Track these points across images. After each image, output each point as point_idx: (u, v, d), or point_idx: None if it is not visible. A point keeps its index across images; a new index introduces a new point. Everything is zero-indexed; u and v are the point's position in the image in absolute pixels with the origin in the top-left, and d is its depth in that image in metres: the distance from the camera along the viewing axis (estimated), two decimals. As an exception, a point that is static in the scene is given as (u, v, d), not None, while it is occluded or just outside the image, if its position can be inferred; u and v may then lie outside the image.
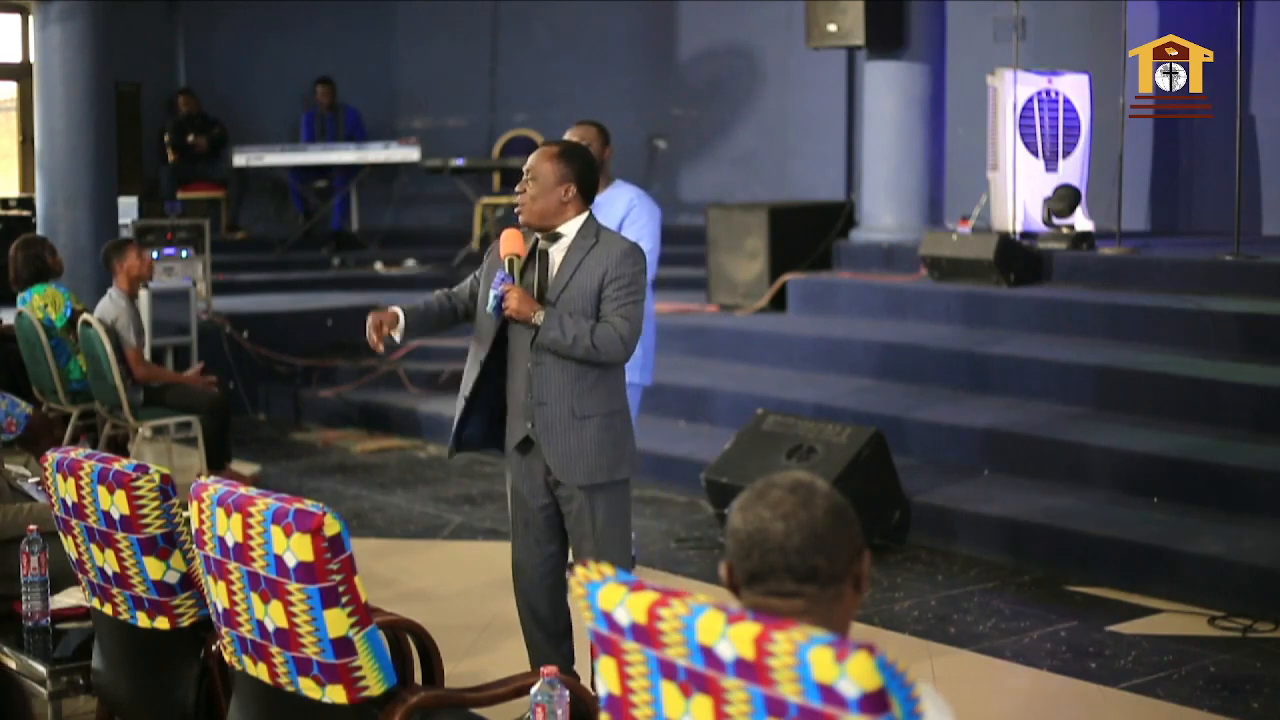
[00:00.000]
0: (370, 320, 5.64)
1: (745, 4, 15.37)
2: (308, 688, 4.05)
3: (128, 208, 12.52)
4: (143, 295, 10.07)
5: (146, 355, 9.58)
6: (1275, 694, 6.14)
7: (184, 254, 11.86)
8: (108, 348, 8.91)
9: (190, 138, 15.44)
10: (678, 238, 13.80)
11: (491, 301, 5.41)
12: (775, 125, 15.48)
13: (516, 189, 5.55)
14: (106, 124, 12.53)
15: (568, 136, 7.02)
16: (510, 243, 5.48)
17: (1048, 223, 11.03)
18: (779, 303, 11.93)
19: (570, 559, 5.57)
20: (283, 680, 4.09)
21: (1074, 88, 11.61)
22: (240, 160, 15.25)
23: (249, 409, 12.16)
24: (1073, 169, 11.44)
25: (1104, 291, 10.19)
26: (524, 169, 5.55)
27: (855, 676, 2.40)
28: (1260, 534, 7.47)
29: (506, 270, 5.42)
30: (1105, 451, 8.37)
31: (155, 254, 9.91)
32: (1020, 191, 11.19)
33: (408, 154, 15.31)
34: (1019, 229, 11.10)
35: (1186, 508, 7.91)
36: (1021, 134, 11.34)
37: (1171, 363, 9.07)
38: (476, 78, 16.82)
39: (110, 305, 9.26)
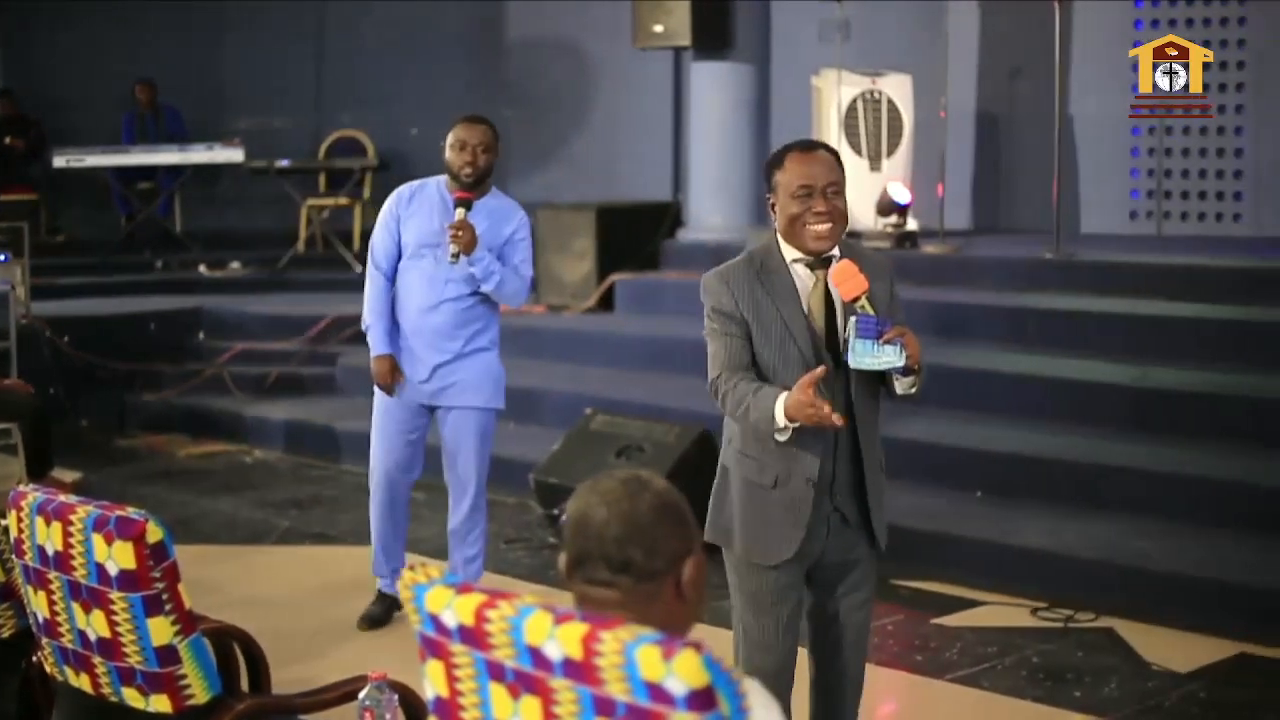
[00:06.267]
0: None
1: (573, 4, 15.38)
2: (131, 698, 3.99)
3: (-60, 212, 12.27)
4: (-41, 300, 9.85)
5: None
6: (1096, 683, 6.25)
7: (1, 258, 11.61)
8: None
9: (8, 140, 15.16)
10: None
11: (894, 355, 4.25)
12: (604, 126, 15.51)
13: (816, 210, 4.34)
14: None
15: (466, 137, 6.66)
16: (856, 280, 4.30)
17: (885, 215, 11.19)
18: (607, 303, 11.96)
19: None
20: (106, 691, 4.03)
21: (897, 88, 11.76)
22: (60, 162, 14.95)
23: (70, 415, 11.94)
24: (896, 169, 11.59)
25: (928, 289, 10.32)
26: (817, 183, 4.36)
27: (682, 674, 2.41)
28: (1081, 525, 7.61)
29: (870, 312, 4.28)
30: (928, 447, 8.47)
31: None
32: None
33: (232, 155, 15.12)
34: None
35: (1010, 500, 8.04)
36: (846, 134, 11.46)
37: (994, 359, 9.22)
38: (302, 78, 16.68)
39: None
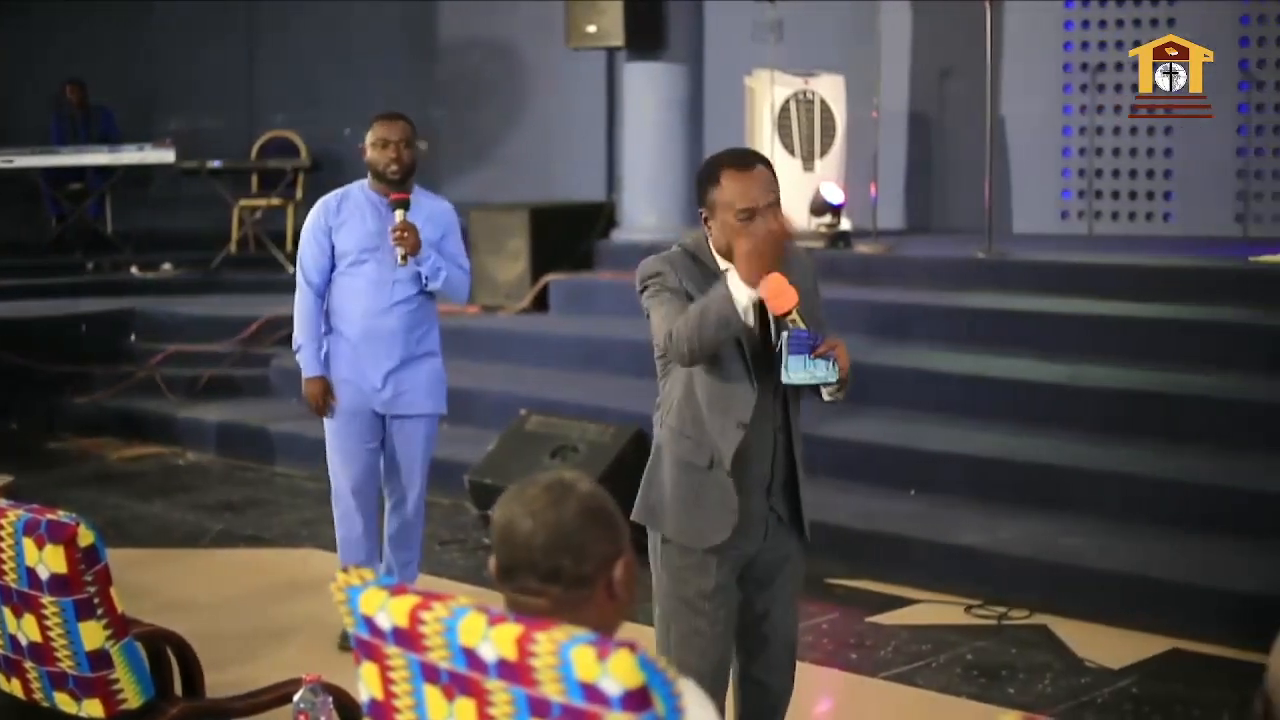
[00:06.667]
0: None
1: (506, 4, 15.35)
2: (64, 703, 3.96)
3: None
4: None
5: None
6: (1030, 680, 6.29)
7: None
8: None
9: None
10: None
11: (826, 370, 4.22)
12: (537, 126, 15.49)
13: (765, 215, 4.22)
14: None
15: (387, 134, 6.51)
16: (787, 294, 4.17)
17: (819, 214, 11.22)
18: (541, 303, 11.95)
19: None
20: (37, 696, 4.00)
21: (830, 89, 11.80)
22: (-11, 163, 14.84)
23: (0, 417, 11.84)
24: (829, 169, 11.62)
25: (861, 289, 10.36)
26: (759, 204, 4.24)
27: (617, 674, 2.41)
28: (1014, 523, 7.65)
29: (801, 326, 4.20)
30: (862, 446, 8.50)
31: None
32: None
33: (163, 155, 14.98)
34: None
35: (943, 499, 8.08)
36: (779, 134, 11.49)
37: (927, 358, 9.27)
38: (234, 78, 16.59)
39: None
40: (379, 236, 6.53)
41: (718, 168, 4.29)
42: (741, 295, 4.09)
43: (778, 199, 4.28)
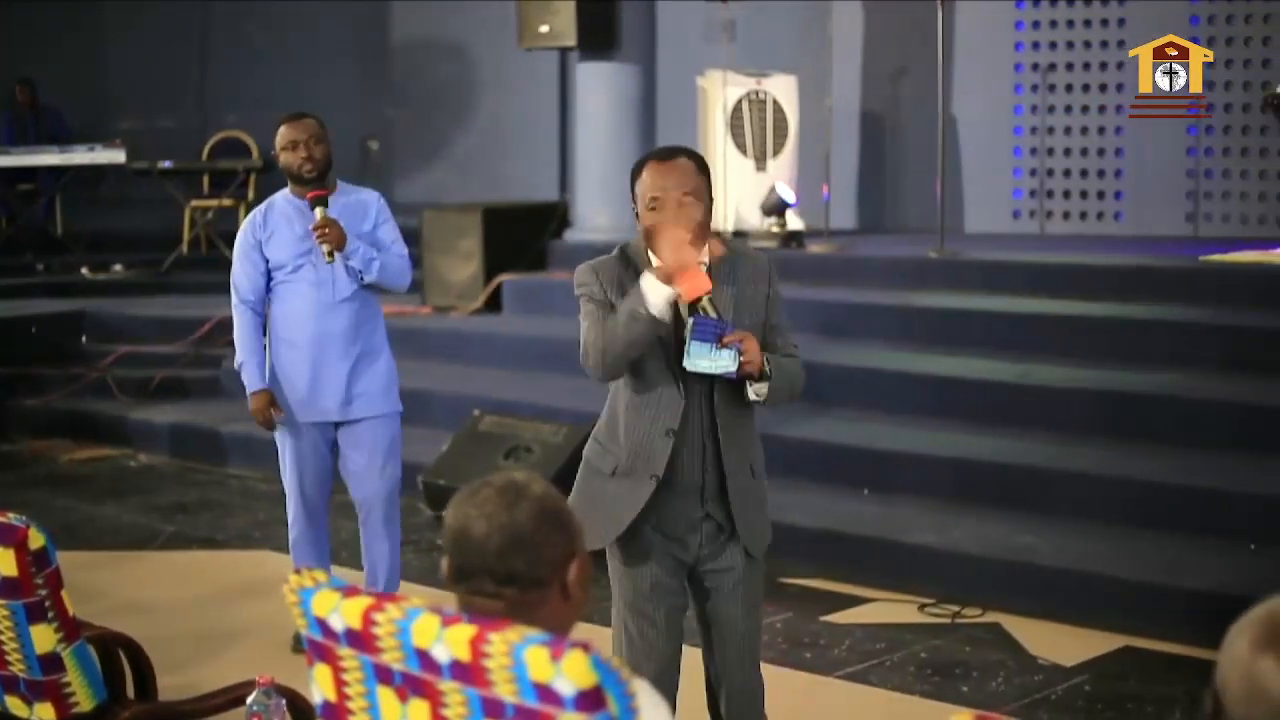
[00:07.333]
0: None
1: (458, 4, 15.34)
2: (15, 706, 3.94)
3: None
4: None
5: None
6: (984, 677, 6.31)
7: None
8: None
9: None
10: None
11: (729, 360, 4.17)
12: (490, 126, 15.49)
13: (657, 220, 4.22)
14: None
15: (294, 135, 6.45)
16: (698, 280, 4.15)
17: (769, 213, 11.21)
18: (494, 303, 11.93)
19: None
20: (-12, 699, 3.98)
21: (782, 89, 11.83)
22: (-63, 164, 14.73)
23: (-50, 420, 11.77)
24: (781, 169, 11.65)
25: (814, 289, 10.38)
26: (664, 191, 4.21)
27: (571, 675, 2.41)
28: (967, 522, 7.68)
29: (711, 314, 4.18)
30: (815, 445, 8.52)
31: None
32: (731, 191, 11.35)
33: (113, 156, 14.89)
34: (730, 229, 11.27)
35: (897, 498, 8.10)
36: (731, 134, 11.51)
37: (880, 358, 9.29)
38: (186, 78, 16.53)
39: None
40: (309, 239, 6.47)
41: (644, 160, 4.33)
42: (654, 293, 4.12)
43: (693, 189, 4.24)
